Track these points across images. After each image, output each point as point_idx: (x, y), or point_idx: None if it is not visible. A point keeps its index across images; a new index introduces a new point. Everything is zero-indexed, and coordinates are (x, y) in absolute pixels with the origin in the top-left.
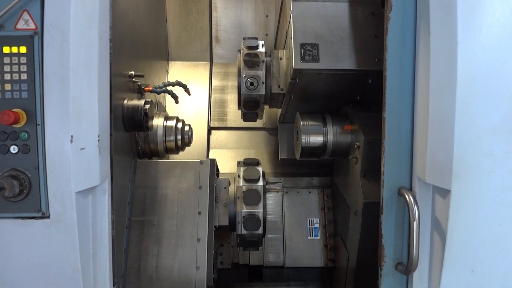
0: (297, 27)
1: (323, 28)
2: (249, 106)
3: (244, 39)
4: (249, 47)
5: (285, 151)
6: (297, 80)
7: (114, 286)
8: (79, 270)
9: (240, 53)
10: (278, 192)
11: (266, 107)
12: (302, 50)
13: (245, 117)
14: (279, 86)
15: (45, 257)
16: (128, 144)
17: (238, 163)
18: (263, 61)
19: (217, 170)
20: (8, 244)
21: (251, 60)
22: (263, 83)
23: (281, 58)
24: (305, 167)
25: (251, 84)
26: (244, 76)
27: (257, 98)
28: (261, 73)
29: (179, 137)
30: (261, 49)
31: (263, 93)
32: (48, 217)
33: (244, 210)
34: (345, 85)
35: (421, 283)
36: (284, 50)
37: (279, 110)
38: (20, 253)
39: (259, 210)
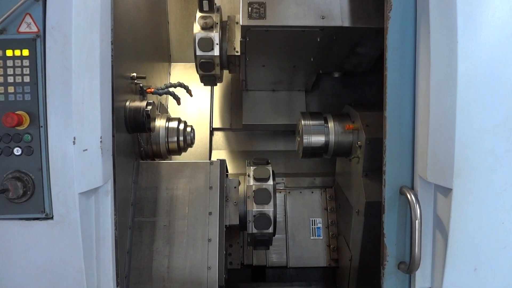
0: None
1: None
2: (205, 68)
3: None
4: (204, 11)
5: (249, 117)
6: (247, 39)
7: (117, 286)
8: (82, 270)
9: (195, 18)
10: (280, 192)
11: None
12: (250, 8)
13: (203, 81)
14: (234, 49)
15: (48, 258)
16: (131, 145)
17: (248, 163)
18: (217, 24)
19: (226, 171)
20: (12, 245)
21: (205, 22)
22: (217, 44)
23: (237, 22)
24: (307, 167)
25: (205, 45)
26: (198, 38)
27: (211, 59)
28: (214, 34)
29: (181, 138)
30: (216, 13)
31: (217, 54)
32: (52, 218)
33: (255, 209)
34: (295, 44)
35: (423, 282)
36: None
37: None
38: (24, 254)
39: (269, 209)
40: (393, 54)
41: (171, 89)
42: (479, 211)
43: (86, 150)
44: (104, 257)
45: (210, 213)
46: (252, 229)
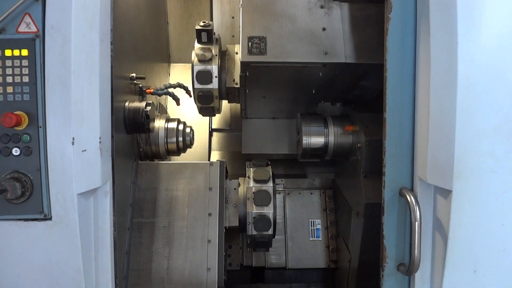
0: (245, 20)
1: (272, 21)
2: (203, 100)
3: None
4: (202, 42)
5: (248, 146)
6: (247, 74)
7: (116, 287)
8: (81, 271)
9: (194, 48)
10: (280, 193)
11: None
12: (250, 43)
13: (202, 112)
14: (234, 80)
15: (47, 259)
16: (130, 146)
17: (248, 164)
18: (216, 55)
19: (226, 172)
20: (10, 246)
21: (204, 55)
22: (216, 77)
23: (236, 53)
24: (307, 168)
25: (203, 78)
26: (196, 71)
27: (210, 92)
28: (213, 67)
29: (180, 139)
30: (214, 44)
31: (216, 87)
32: (50, 219)
33: (254, 211)
34: (296, 78)
35: (423, 283)
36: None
37: None
38: (22, 255)
39: (269, 211)
40: (393, 56)
41: (170, 90)
42: (478, 213)
43: (85, 150)
44: (102, 258)
45: (209, 214)
46: (251, 231)
